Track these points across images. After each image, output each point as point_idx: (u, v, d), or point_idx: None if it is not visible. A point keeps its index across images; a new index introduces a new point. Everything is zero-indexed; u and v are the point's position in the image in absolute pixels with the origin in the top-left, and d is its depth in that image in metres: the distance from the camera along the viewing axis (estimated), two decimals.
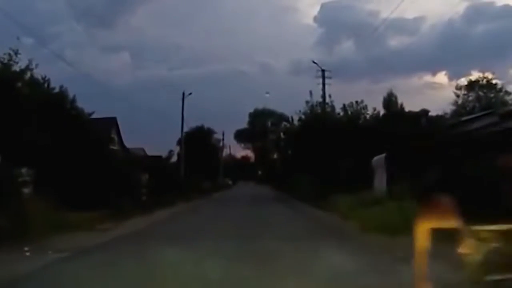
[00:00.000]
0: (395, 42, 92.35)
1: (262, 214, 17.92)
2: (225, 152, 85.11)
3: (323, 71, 34.87)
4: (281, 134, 39.39)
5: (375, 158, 18.51)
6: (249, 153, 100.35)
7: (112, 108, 71.65)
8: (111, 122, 45.74)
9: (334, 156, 23.95)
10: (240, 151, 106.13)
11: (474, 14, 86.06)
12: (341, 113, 27.76)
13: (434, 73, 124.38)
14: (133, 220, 15.64)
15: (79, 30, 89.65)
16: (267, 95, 76.63)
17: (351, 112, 25.88)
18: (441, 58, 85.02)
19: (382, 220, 10.95)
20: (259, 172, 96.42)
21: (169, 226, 14.07)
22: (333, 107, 28.11)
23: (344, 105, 26.28)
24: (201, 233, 11.37)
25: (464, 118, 24.14)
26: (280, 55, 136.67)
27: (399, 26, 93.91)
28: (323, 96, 32.26)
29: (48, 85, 24.86)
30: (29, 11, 71.34)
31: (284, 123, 35.68)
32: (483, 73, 43.71)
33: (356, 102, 25.92)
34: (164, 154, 50.92)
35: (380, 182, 17.55)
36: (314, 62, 35.38)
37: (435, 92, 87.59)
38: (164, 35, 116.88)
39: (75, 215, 15.35)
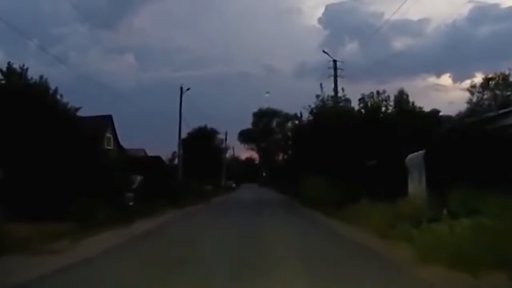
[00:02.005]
0: (399, 43, 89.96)
1: (269, 229, 13.50)
2: (229, 153, 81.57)
3: (334, 61, 31.25)
4: (288, 133, 35.18)
5: (410, 156, 14.55)
6: (253, 154, 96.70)
7: (115, 109, 69.89)
8: (106, 120, 42.01)
9: (353, 156, 20.07)
10: (244, 152, 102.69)
11: (479, 16, 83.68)
12: (358, 107, 23.88)
13: (438, 75, 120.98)
14: (100, 236, 11.81)
15: (84, 32, 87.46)
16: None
17: (371, 104, 21.91)
18: (445, 60, 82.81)
19: (452, 247, 7.03)
20: (264, 174, 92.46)
21: (140, 249, 9.99)
22: (348, 100, 24.19)
23: (362, 96, 22.32)
24: (178, 271, 7.43)
25: (501, 111, 20.44)
26: (284, 56, 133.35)
27: (403, 28, 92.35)
28: (335, 89, 28.69)
29: (26, 75, 22.17)
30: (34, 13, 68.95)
31: (292, 120, 31.58)
32: (487, 75, 40.93)
33: (378, 92, 21.97)
34: (166, 155, 47.96)
35: (417, 187, 13.62)
36: (324, 52, 31.82)
37: (439, 94, 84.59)
38: (168, 37, 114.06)
39: (29, 229, 11.72)
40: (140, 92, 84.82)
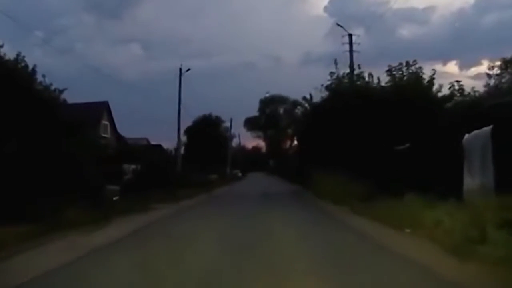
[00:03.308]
0: (405, 31, 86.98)
1: (284, 236, 9.54)
2: (235, 142, 78.01)
3: (350, 35, 27.44)
4: (299, 114, 31.43)
5: (468, 136, 10.84)
6: (260, 142, 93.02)
7: (122, 99, 67.17)
8: (102, 107, 38.59)
9: (379, 139, 16.45)
10: (251, 141, 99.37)
11: (484, 3, 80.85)
12: (379, 82, 20.18)
13: (444, 63, 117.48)
14: (47, 249, 8.28)
15: (90, 22, 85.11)
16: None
17: (400, 78, 18.08)
18: (451, 48, 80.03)
19: None
20: (271, 163, 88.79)
21: (88, 281, 6.32)
22: (368, 76, 20.31)
23: (389, 68, 18.44)
24: None
25: None
26: (290, 46, 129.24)
27: (409, 16, 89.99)
28: (351, 65, 25.07)
29: None
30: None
31: (301, 104, 27.76)
32: (505, 58, 37.39)
33: (407, 63, 18.11)
34: (173, 145, 45.04)
35: (479, 176, 9.98)
36: (338, 25, 27.97)
37: (445, 81, 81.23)
38: (173, 27, 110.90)
39: None
40: (147, 82, 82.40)
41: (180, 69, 31.84)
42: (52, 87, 22.15)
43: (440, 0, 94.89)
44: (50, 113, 18.72)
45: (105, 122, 38.42)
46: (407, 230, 8.67)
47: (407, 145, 15.11)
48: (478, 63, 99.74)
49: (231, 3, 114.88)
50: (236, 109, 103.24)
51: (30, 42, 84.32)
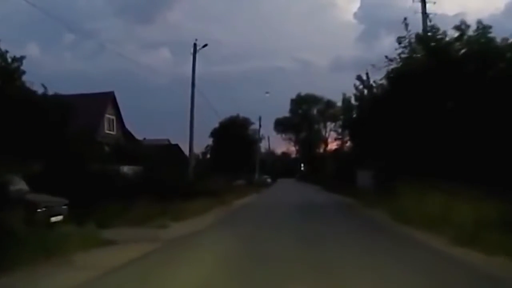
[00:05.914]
0: None
1: None
2: (264, 146, 70.53)
3: None
4: (351, 100, 23.55)
5: None
6: (290, 147, 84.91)
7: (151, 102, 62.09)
8: (106, 98, 31.97)
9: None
10: (280, 144, 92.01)
11: None
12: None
13: None
14: None
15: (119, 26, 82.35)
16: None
17: None
18: None
19: None
20: (302, 168, 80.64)
21: None
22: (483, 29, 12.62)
23: None
24: None
25: None
26: (320, 52, 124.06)
27: (439, 22, 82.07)
28: (424, 30, 18.03)
29: None
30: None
31: (356, 81, 20.13)
32: None
33: None
34: (200, 149, 40.39)
35: None
36: None
37: None
38: (202, 32, 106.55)
39: None
40: (175, 86, 78.15)
41: (195, 44, 24.65)
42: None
43: (470, 7, 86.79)
44: None
45: (109, 116, 31.70)
46: None
47: None
48: None
49: (260, 8, 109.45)
50: (265, 115, 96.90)
51: (65, 43, 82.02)
